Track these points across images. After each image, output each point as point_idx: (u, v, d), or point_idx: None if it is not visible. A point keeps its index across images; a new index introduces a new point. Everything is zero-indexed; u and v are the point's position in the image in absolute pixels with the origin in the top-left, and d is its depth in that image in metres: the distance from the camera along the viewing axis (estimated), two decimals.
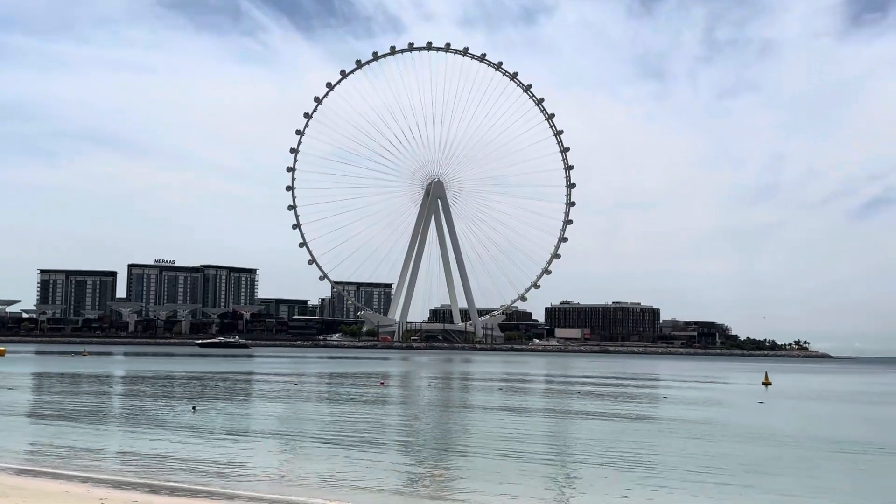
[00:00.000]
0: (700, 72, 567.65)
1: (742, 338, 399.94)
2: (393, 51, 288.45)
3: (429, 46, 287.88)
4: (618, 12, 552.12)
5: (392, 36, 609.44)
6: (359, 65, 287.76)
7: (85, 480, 25.22)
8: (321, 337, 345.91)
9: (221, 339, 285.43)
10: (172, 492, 23.35)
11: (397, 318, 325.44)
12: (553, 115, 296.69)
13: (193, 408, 50.38)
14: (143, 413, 47.13)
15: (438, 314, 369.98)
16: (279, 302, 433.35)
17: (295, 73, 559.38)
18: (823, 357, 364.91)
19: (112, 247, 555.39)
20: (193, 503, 21.49)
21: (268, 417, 45.60)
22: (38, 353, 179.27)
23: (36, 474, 26.39)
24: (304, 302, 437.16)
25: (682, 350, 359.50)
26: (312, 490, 23.81)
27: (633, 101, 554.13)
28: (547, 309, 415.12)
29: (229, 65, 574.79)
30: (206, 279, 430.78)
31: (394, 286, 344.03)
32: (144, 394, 64.37)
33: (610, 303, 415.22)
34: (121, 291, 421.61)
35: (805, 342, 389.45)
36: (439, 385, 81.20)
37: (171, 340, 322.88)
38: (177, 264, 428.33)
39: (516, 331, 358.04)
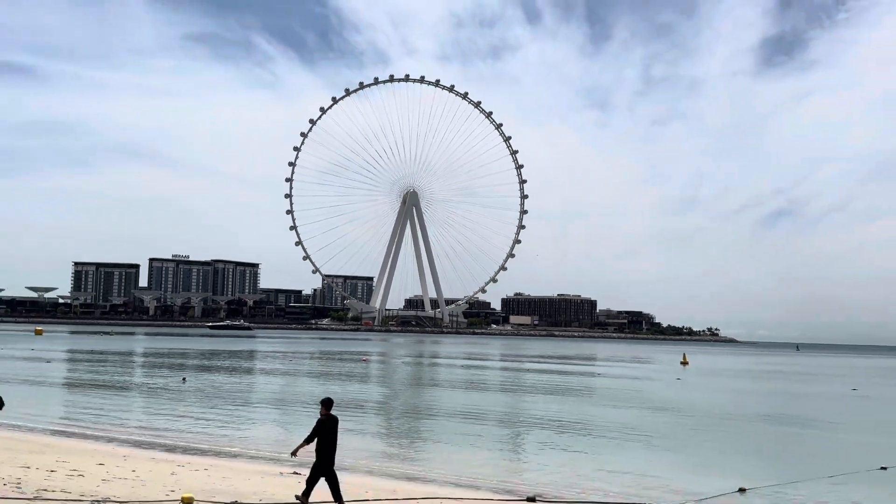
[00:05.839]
0: (637, 103, 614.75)
1: (664, 325, 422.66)
2: (376, 81, 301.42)
3: (406, 78, 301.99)
4: (571, 51, 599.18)
5: (380, 67, 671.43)
6: (347, 92, 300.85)
7: (110, 440, 26.70)
8: (313, 321, 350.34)
9: (228, 322, 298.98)
10: (185, 451, 25.09)
11: (377, 305, 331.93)
12: (510, 138, 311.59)
13: (183, 379, 50.44)
14: (156, 384, 48.65)
15: (412, 303, 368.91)
16: (278, 291, 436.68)
17: (296, 99, 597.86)
18: (731, 341, 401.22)
19: (136, 243, 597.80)
20: (203, 460, 22.97)
21: (265, 387, 48.45)
22: (71, 332, 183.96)
23: (68, 435, 27.78)
24: (300, 292, 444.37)
25: (614, 335, 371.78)
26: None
27: (582, 127, 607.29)
28: (503, 299, 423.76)
29: (242, 90, 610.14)
30: (216, 271, 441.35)
31: (375, 279, 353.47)
32: (161, 367, 66.09)
33: (555, 295, 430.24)
34: (143, 281, 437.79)
35: (716, 329, 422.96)
36: (413, 363, 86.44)
37: (186, 323, 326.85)
38: (191, 258, 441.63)
39: (477, 317, 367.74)
